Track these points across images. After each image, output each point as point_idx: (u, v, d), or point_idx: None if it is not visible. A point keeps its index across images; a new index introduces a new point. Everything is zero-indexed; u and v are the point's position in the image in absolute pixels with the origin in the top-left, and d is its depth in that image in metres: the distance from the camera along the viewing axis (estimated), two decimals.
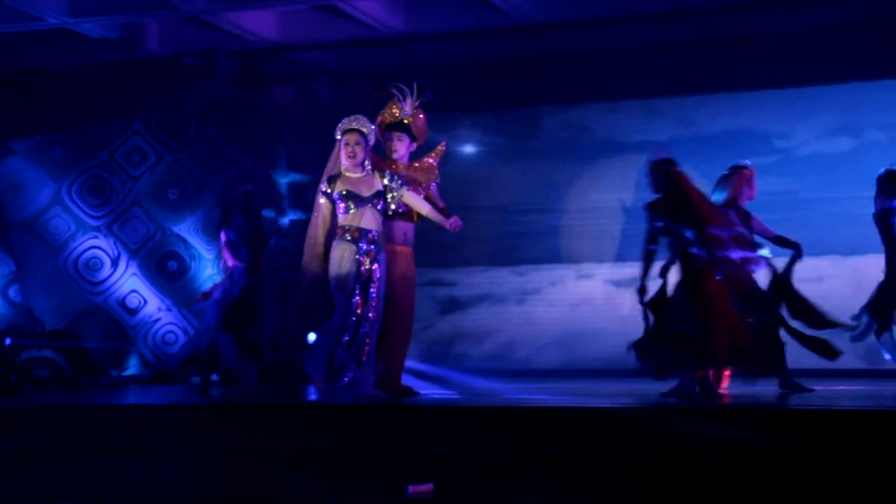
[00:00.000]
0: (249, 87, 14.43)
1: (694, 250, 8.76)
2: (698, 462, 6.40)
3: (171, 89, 14.51)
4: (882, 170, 10.36)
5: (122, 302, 14.58)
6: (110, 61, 14.18)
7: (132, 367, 14.37)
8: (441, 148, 9.16)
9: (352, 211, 8.42)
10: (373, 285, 8.44)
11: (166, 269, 14.60)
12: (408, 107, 8.92)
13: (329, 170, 8.68)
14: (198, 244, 14.60)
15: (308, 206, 14.47)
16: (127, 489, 7.11)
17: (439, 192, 9.15)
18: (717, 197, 9.46)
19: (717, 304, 8.67)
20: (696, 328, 8.60)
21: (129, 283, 14.58)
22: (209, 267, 14.52)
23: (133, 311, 14.58)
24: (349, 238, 8.40)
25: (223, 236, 10.73)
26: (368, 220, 8.44)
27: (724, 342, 8.57)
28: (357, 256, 8.38)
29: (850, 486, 5.98)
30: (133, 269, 14.59)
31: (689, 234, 8.72)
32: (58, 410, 8.50)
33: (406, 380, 9.57)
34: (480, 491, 6.58)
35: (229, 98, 14.49)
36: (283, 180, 14.68)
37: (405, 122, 8.92)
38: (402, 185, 8.56)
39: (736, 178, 9.53)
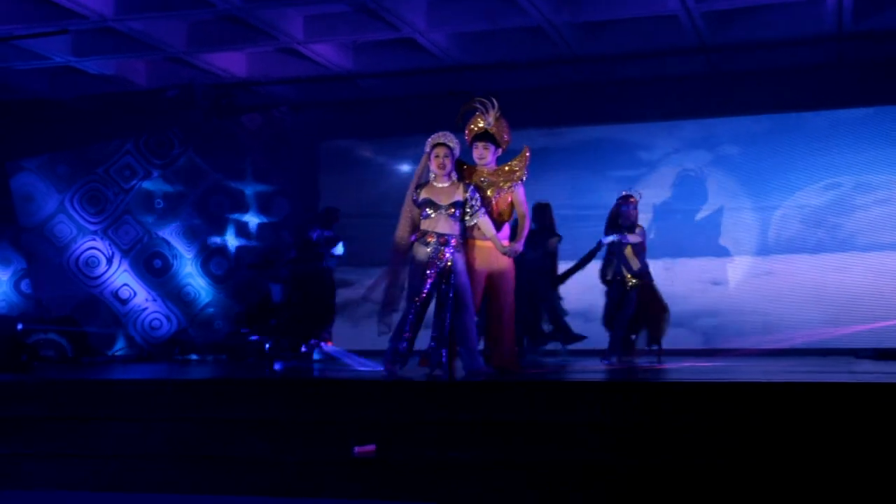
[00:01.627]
0: (222, 115, 14.33)
1: None
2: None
3: (157, 117, 14.44)
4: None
5: (115, 294, 14.46)
6: (106, 93, 14.12)
7: (124, 348, 14.32)
8: (525, 152, 8.56)
9: (431, 217, 8.17)
10: (449, 278, 8.09)
11: (152, 267, 14.52)
12: (490, 118, 8.48)
13: (417, 178, 8.37)
14: (179, 246, 14.56)
15: (271, 211, 14.65)
16: (118, 449, 7.09)
17: (525, 195, 8.63)
18: None
19: None
20: None
21: (121, 278, 14.48)
22: (188, 265, 14.53)
23: (124, 302, 14.48)
24: (424, 241, 8.15)
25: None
26: (443, 225, 8.13)
27: None
28: (430, 257, 8.09)
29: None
30: (125, 266, 14.48)
31: None
32: (61, 384, 8.44)
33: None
34: (413, 449, 6.60)
35: (206, 124, 14.43)
36: (250, 192, 14.68)
37: (490, 131, 8.48)
38: (478, 210, 8.24)
39: None
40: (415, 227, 8.32)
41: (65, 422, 7.44)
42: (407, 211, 8.37)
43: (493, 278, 8.46)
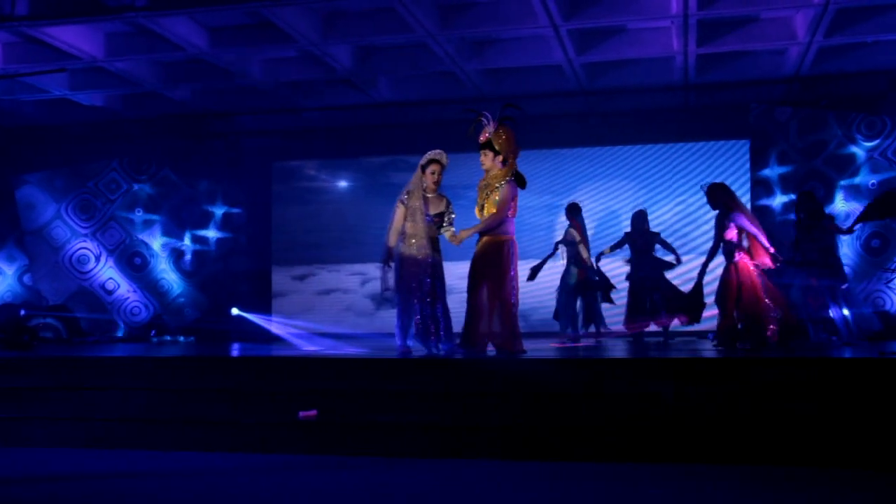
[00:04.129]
0: (193, 139, 14.29)
1: None
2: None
3: (138, 140, 14.31)
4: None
5: (102, 286, 14.25)
6: (96, 120, 13.97)
7: (109, 331, 14.15)
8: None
9: (417, 222, 7.73)
10: (428, 277, 7.68)
11: (133, 264, 14.32)
12: (491, 128, 7.81)
13: (409, 186, 7.87)
14: (155, 246, 14.40)
15: (231, 219, 14.54)
16: (105, 413, 7.04)
17: (511, 196, 7.72)
18: None
19: None
20: None
21: (107, 272, 14.26)
22: (163, 262, 14.37)
23: (110, 292, 14.26)
24: (410, 243, 7.72)
25: None
26: (428, 229, 7.76)
27: None
28: (416, 255, 7.68)
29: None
30: (110, 263, 14.26)
31: None
32: (57, 360, 8.32)
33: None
34: (349, 415, 6.61)
35: (178, 147, 14.32)
36: (215, 202, 14.56)
37: (490, 140, 7.85)
38: (451, 225, 7.83)
39: None
40: (402, 231, 7.84)
41: (60, 391, 7.37)
42: (400, 216, 7.85)
43: (478, 268, 7.75)
